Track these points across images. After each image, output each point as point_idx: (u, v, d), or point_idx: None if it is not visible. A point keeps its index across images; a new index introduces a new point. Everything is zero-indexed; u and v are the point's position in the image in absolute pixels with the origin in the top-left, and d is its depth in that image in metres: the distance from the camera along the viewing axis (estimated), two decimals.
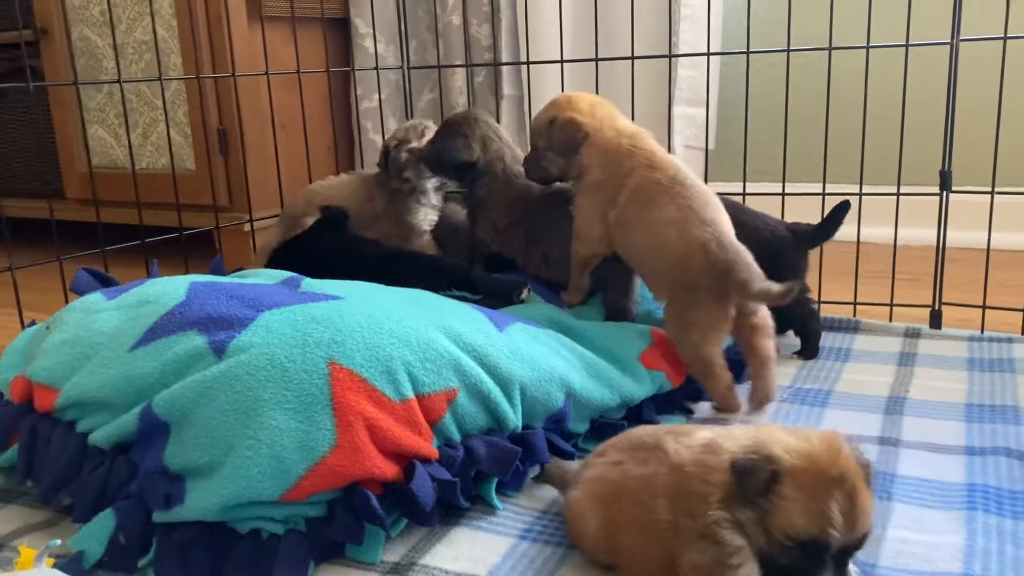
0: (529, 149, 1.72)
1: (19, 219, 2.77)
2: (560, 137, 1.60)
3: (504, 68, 2.71)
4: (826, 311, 1.93)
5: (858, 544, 0.84)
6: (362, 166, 2.81)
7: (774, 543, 0.84)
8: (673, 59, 2.22)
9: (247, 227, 2.38)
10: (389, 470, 1.08)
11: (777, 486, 0.83)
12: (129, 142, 2.03)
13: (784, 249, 1.65)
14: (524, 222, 1.78)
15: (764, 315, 1.46)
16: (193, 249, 2.07)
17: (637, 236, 1.51)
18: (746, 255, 1.41)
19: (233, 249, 2.52)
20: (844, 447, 0.85)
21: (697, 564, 0.88)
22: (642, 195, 1.49)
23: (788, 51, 1.88)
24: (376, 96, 2.65)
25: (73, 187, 2.85)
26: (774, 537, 0.84)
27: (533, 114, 2.56)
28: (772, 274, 1.41)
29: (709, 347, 1.41)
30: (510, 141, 1.88)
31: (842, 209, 1.63)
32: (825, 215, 1.66)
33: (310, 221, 1.99)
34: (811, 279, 1.75)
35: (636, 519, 0.97)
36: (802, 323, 1.72)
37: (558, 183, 1.72)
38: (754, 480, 0.84)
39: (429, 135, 1.95)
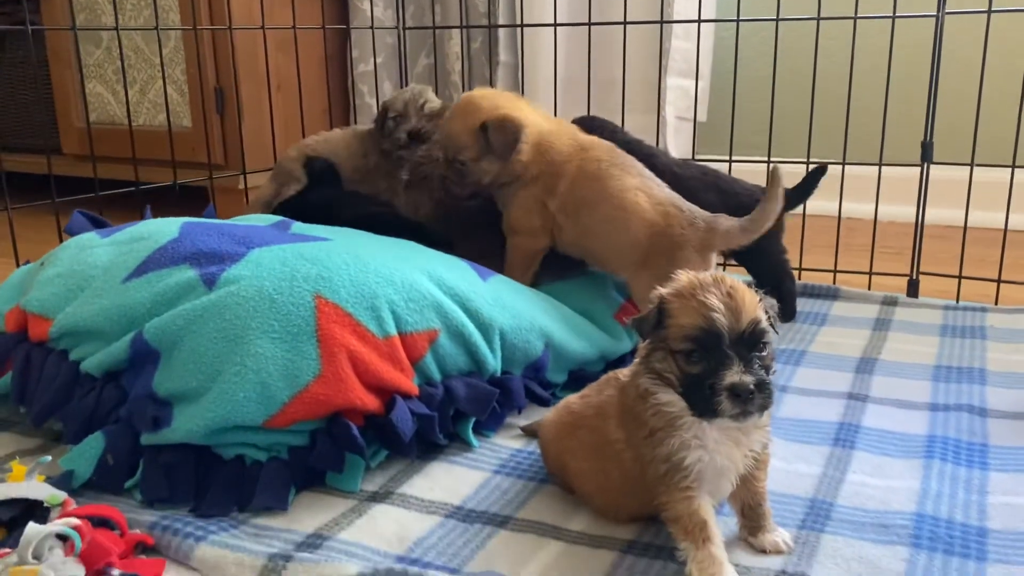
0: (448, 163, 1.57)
1: (17, 174, 2.78)
2: (498, 139, 1.48)
3: (500, 34, 2.73)
4: (807, 278, 1.97)
5: (750, 335, 0.86)
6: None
7: (680, 356, 0.88)
8: (666, 29, 2.24)
9: (240, 184, 2.41)
10: (371, 402, 1.12)
11: (664, 307, 0.90)
12: (127, 98, 2.05)
13: None
14: None
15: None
16: (186, 205, 2.10)
17: (596, 212, 1.47)
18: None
19: (226, 206, 2.54)
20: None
21: (656, 474, 0.92)
22: (588, 175, 1.47)
23: (777, 20, 1.92)
24: (372, 60, 2.66)
25: (70, 142, 2.87)
26: (677, 351, 0.88)
27: (528, 79, 2.60)
28: None
29: None
30: None
31: (817, 173, 1.66)
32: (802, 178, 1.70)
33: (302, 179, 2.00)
34: (793, 250, 1.79)
35: (591, 444, 1.02)
36: (777, 283, 1.75)
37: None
38: (648, 317, 0.91)
39: (430, 107, 1.95)
